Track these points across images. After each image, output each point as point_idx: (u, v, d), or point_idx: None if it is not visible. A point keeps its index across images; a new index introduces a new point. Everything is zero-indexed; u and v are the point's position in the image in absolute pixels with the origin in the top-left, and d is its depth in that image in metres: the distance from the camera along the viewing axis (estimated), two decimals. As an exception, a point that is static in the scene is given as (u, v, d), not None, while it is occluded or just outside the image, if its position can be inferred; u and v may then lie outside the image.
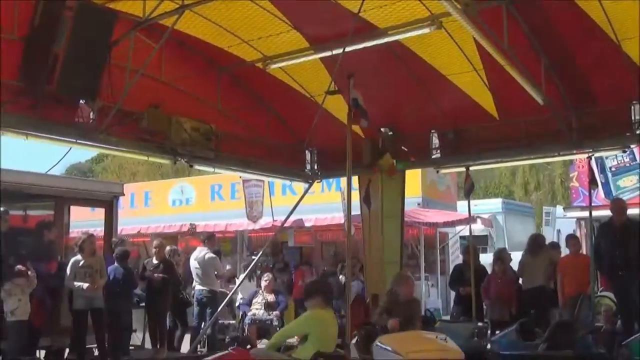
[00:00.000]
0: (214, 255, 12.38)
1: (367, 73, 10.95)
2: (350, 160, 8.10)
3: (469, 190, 11.34)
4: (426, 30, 9.26)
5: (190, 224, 18.72)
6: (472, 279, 11.05)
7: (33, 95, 8.95)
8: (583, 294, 10.49)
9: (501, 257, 11.78)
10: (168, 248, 12.06)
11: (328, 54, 9.99)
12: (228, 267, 15.70)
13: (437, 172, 12.92)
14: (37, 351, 9.94)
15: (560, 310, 10.77)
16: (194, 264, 12.28)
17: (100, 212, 13.37)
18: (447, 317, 13.55)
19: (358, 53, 9.84)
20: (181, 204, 20.99)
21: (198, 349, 11.76)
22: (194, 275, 12.28)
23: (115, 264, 10.42)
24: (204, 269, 12.09)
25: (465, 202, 22.32)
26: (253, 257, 19.14)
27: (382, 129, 11.91)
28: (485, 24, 8.06)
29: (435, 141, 11.72)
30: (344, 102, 11.47)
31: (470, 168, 11.41)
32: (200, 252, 12.42)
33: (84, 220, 15.51)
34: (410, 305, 8.45)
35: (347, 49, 9.34)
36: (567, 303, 10.68)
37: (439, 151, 11.74)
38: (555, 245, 12.19)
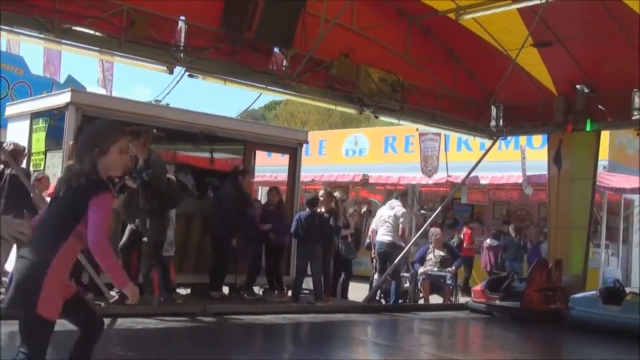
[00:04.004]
0: (405, 211, 12.23)
1: (567, 25, 10.36)
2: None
3: (674, 156, 10.43)
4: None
5: (364, 175, 18.84)
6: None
7: (233, 42, 9.30)
8: None
9: None
10: (337, 194, 12.04)
11: (530, 3, 9.42)
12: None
13: (638, 134, 11.99)
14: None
15: None
16: (388, 214, 11.98)
17: (276, 158, 13.78)
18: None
19: (559, 3, 9.27)
20: (354, 154, 21.12)
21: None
22: (378, 227, 12.07)
23: (307, 209, 10.57)
24: (396, 223, 11.88)
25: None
26: (423, 211, 19.11)
27: (577, 86, 11.21)
28: None
29: (637, 101, 10.84)
30: (540, 56, 11.01)
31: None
32: (395, 206, 12.20)
33: (266, 165, 16.14)
34: None
35: (551, -1, 8.79)
36: None
37: (640, 112, 10.87)
38: None
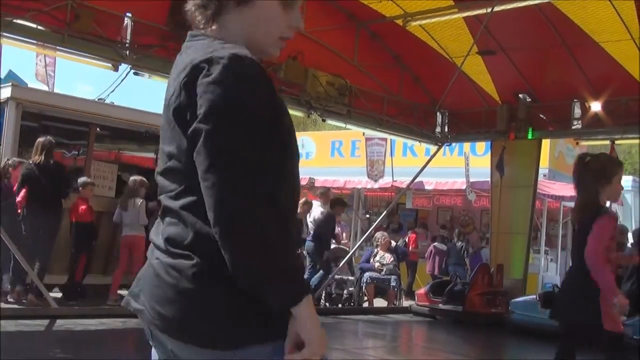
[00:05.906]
0: (323, 211, 12.25)
1: (510, 35, 10.58)
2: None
3: (613, 165, 10.68)
4: (584, -8, 8.75)
5: (310, 178, 18.82)
6: None
7: (180, 41, 9.16)
8: None
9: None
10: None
11: (475, 12, 9.60)
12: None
13: (577, 143, 12.33)
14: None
15: None
16: (309, 219, 12.18)
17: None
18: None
19: (504, 13, 9.46)
20: (301, 157, 20.95)
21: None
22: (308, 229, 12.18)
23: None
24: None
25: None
26: (367, 215, 19.21)
27: (520, 95, 11.46)
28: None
29: (577, 111, 11.15)
30: (484, 65, 11.22)
31: (616, 142, 10.81)
32: (315, 207, 12.30)
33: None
34: None
35: (496, 8, 8.98)
36: None
37: (580, 122, 11.17)
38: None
